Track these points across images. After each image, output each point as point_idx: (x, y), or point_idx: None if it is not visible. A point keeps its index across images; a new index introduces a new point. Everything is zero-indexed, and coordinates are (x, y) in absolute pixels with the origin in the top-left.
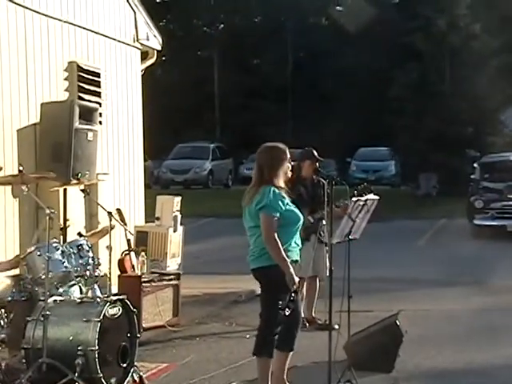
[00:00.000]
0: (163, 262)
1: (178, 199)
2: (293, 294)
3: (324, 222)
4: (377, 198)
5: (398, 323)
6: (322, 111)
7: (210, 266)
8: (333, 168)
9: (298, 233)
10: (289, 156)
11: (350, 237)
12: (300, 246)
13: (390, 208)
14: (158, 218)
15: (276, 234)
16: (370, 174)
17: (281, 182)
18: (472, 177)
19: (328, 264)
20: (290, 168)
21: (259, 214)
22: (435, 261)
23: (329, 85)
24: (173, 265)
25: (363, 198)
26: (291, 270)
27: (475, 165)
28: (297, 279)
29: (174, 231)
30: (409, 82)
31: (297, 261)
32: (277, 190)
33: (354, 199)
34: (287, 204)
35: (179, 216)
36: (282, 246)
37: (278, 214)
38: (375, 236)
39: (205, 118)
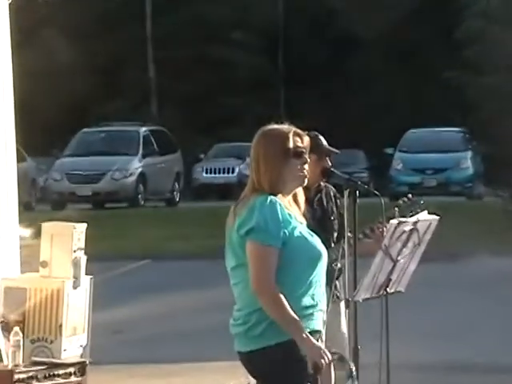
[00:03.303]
0: (55, 342)
1: (80, 228)
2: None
3: (340, 265)
4: (435, 218)
5: None
6: (338, 72)
7: (140, 347)
8: (361, 165)
9: (320, 281)
10: (304, 144)
11: (387, 289)
12: (324, 306)
13: (464, 236)
14: (44, 264)
15: (275, 279)
16: (428, 176)
17: (287, 190)
18: None
19: (350, 338)
20: (306, 166)
21: (246, 242)
22: None
23: (349, 26)
24: (73, 348)
25: (411, 220)
26: (308, 336)
27: None
28: (326, 353)
29: (75, 287)
30: (488, 9)
31: (319, 331)
32: (278, 202)
33: (394, 222)
34: (296, 227)
35: (83, 259)
36: (288, 302)
37: (277, 243)
38: (435, 286)
39: (130, 80)
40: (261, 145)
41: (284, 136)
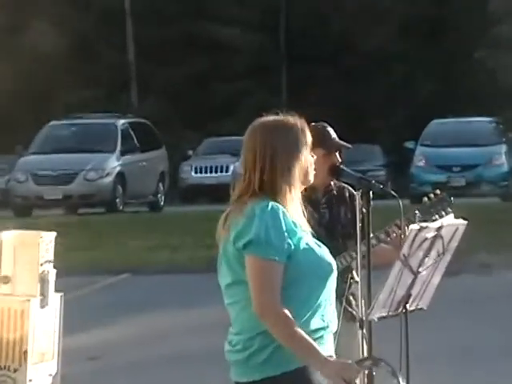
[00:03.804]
0: (19, 371)
1: (49, 238)
2: None
3: (357, 277)
4: (463, 222)
5: None
6: (350, 52)
7: (119, 376)
8: (377, 162)
9: (330, 299)
10: (308, 139)
11: (407, 306)
12: (335, 327)
13: (498, 244)
14: (5, 280)
15: (280, 298)
16: (456, 174)
17: (294, 194)
18: None
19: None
20: (313, 163)
21: (244, 256)
22: None
23: None
24: (40, 377)
25: (434, 225)
26: (327, 359)
27: None
28: (354, 366)
29: (43, 306)
30: None
31: (330, 356)
32: (280, 209)
33: (415, 227)
34: (302, 237)
35: (52, 273)
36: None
37: (281, 257)
38: (463, 303)
39: (106, 63)
40: (268, 137)
41: (296, 128)
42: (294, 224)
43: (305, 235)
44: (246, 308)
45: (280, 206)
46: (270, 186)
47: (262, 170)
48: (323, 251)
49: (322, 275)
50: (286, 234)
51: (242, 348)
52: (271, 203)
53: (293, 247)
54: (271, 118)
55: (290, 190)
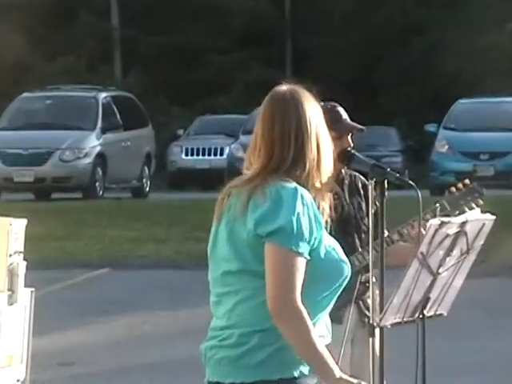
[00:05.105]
0: None
1: (19, 225)
2: None
3: (374, 278)
4: (490, 218)
5: None
6: (364, 20)
7: (95, 382)
8: (394, 147)
9: (333, 304)
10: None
11: (425, 312)
12: (329, 331)
13: None
14: None
15: (301, 299)
16: (483, 163)
17: (320, 180)
18: None
19: (377, 377)
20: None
21: (264, 244)
22: None
23: None
24: (7, 382)
25: (457, 220)
26: (343, 378)
27: None
28: None
29: (11, 303)
30: None
31: None
32: (309, 196)
33: (435, 222)
34: (323, 232)
35: (22, 266)
36: None
37: (307, 253)
38: (490, 309)
39: (86, 30)
40: (308, 111)
41: (317, 104)
42: (320, 216)
43: (325, 230)
44: (249, 299)
45: (308, 193)
46: (290, 167)
47: (296, 148)
48: (340, 249)
49: (339, 277)
50: (314, 226)
51: (234, 343)
52: (299, 188)
53: (316, 243)
54: (290, 87)
55: (311, 177)
